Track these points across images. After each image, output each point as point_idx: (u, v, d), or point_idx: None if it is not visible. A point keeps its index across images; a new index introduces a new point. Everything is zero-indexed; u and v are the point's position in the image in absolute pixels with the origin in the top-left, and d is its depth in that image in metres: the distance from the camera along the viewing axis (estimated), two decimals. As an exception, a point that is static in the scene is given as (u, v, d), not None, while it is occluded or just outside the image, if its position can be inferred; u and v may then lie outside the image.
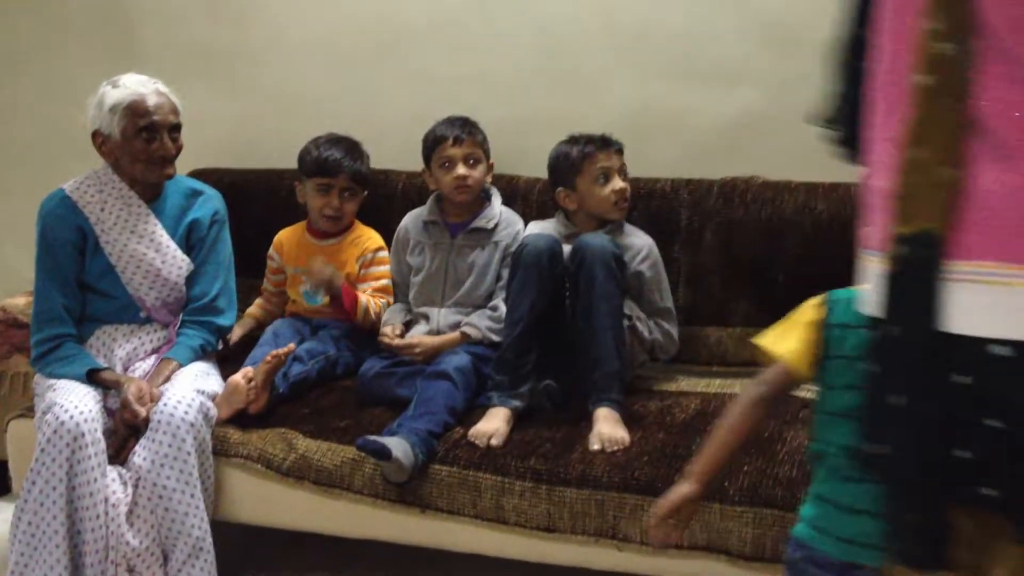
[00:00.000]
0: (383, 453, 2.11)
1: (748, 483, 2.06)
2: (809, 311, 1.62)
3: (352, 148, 2.77)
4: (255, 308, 2.87)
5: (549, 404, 2.42)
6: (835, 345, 1.55)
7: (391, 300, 2.74)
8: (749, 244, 2.62)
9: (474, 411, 2.38)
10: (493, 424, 2.29)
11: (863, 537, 1.46)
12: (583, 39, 2.84)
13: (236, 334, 2.74)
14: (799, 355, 1.58)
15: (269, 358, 2.36)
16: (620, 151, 2.59)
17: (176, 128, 2.48)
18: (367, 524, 2.29)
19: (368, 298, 2.68)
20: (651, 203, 2.71)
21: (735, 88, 2.71)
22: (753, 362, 2.61)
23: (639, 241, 2.59)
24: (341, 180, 2.72)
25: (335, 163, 2.70)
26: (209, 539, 2.26)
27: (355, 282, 2.73)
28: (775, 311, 2.57)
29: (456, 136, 2.65)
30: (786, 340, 1.62)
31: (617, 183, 2.55)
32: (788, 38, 2.66)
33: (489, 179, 2.72)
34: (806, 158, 2.64)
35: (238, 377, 2.34)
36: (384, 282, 2.75)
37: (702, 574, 2.08)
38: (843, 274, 2.51)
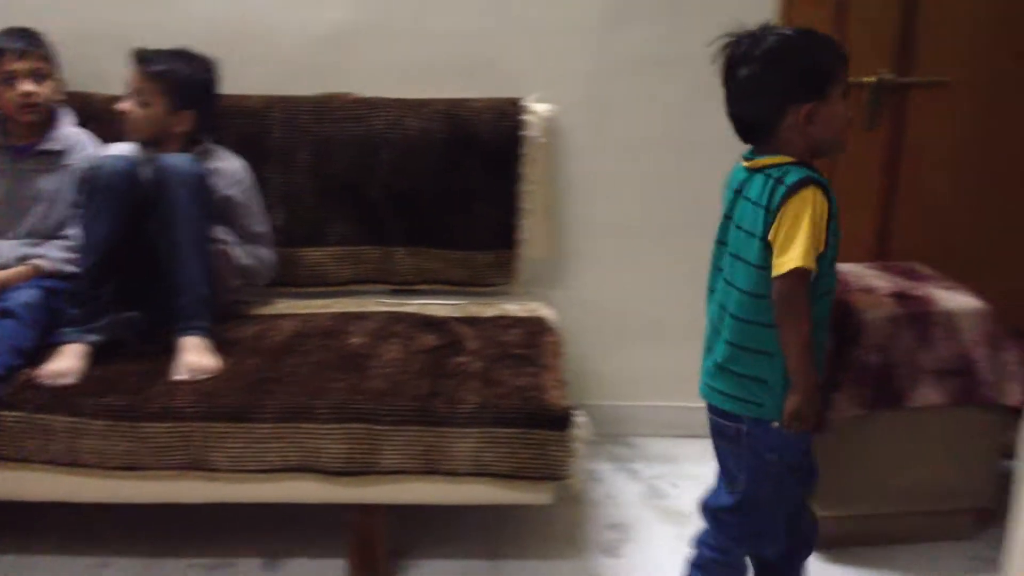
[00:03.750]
0: (-73, 402, 1.88)
1: (338, 400, 2.04)
2: None
3: None
4: None
5: (133, 336, 2.26)
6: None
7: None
8: (343, 162, 2.57)
9: (48, 349, 2.18)
10: (65, 362, 2.11)
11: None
12: (162, -54, 2.63)
13: None
14: None
15: None
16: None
17: None
18: (-79, 483, 2.05)
19: None
20: (241, 122, 2.58)
21: (325, 3, 2.62)
22: (351, 280, 2.62)
23: (229, 164, 2.47)
24: None
25: None
26: None
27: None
28: (371, 228, 2.60)
29: (19, 49, 2.38)
30: None
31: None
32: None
33: (59, 97, 2.47)
34: (396, 74, 2.66)
35: None
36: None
37: (294, 495, 2.06)
38: (434, 189, 2.56)
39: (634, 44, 2.62)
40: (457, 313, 2.49)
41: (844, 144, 1.71)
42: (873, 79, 2.53)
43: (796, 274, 1.59)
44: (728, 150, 2.63)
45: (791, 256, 1.59)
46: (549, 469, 2.02)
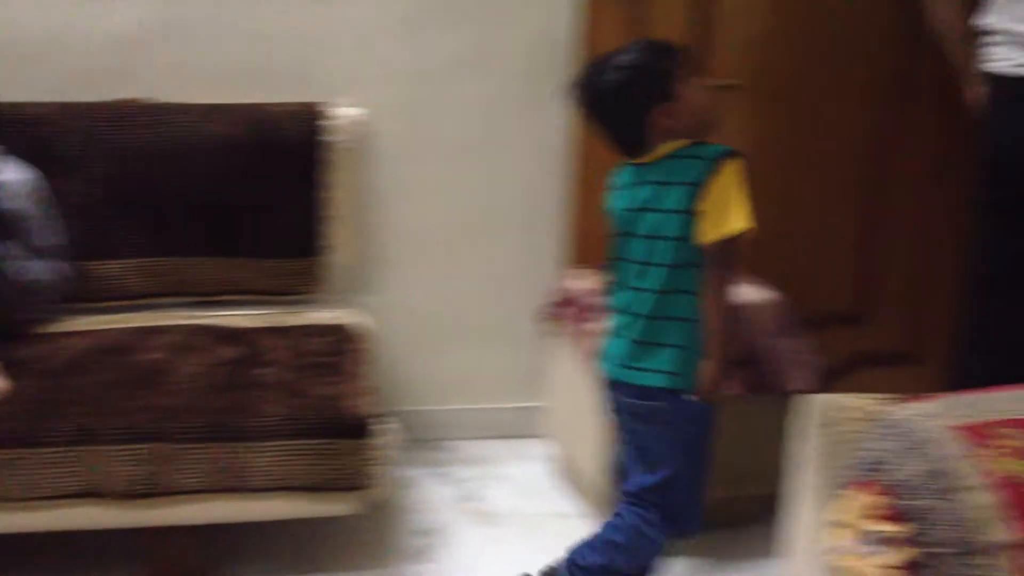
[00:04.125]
0: None
1: (130, 419, 1.96)
2: None
3: None
4: None
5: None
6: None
7: None
8: (139, 170, 2.47)
9: None
10: None
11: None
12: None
13: None
14: None
15: None
16: None
17: None
18: None
19: None
20: (31, 131, 2.44)
21: (119, 4, 2.52)
22: (150, 293, 2.52)
23: (15, 175, 2.34)
24: None
25: None
26: None
27: None
28: (170, 239, 2.51)
29: None
30: None
31: None
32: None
33: None
34: (195, 78, 2.58)
35: None
36: None
37: (85, 521, 1.97)
38: (237, 196, 2.50)
39: (443, 48, 2.62)
40: (261, 323, 2.43)
41: (714, 123, 1.86)
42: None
43: (736, 238, 1.74)
44: (541, 153, 2.71)
45: (732, 220, 1.73)
46: (353, 479, 2.00)
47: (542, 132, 2.70)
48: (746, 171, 1.76)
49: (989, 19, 1.99)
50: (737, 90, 2.62)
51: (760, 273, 2.39)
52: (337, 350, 2.29)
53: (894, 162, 2.71)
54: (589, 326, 2.31)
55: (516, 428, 2.79)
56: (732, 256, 1.77)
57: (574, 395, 2.44)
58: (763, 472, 2.33)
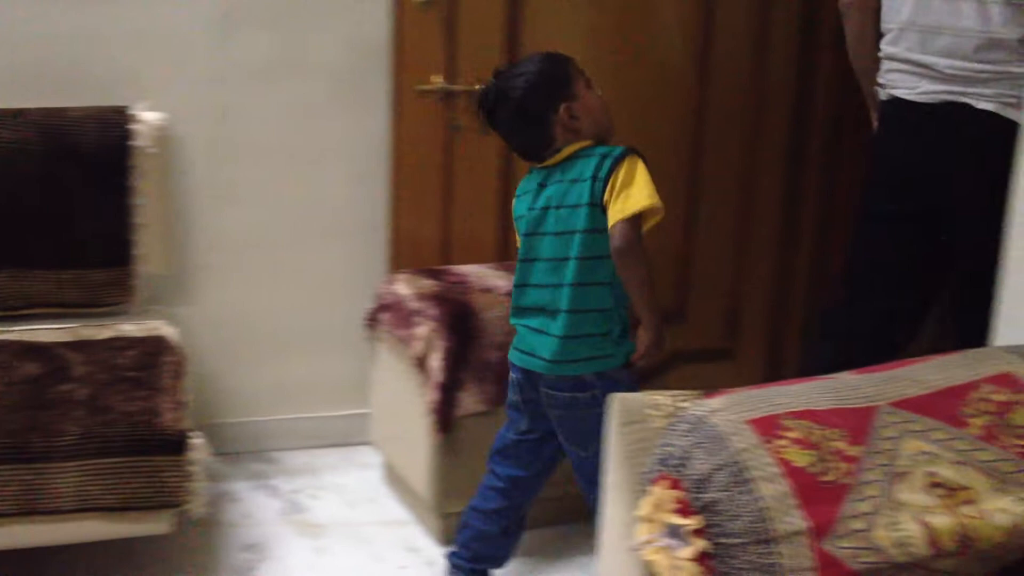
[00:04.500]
0: None
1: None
2: None
3: None
4: None
5: None
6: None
7: None
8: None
9: None
10: None
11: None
12: None
13: None
14: None
15: None
16: None
17: None
18: None
19: None
20: None
21: None
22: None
23: None
24: None
25: None
26: None
27: None
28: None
29: None
30: None
31: None
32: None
33: None
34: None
35: None
36: None
37: None
38: (35, 206, 2.37)
39: (256, 51, 2.56)
40: (67, 337, 2.30)
41: (612, 128, 1.98)
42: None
43: (640, 217, 1.84)
44: (361, 157, 2.66)
45: (635, 200, 1.83)
46: (167, 497, 1.93)
47: (362, 136, 2.67)
48: (648, 165, 1.88)
49: (891, 48, 2.09)
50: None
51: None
52: (148, 364, 2.19)
53: (710, 164, 2.79)
54: (411, 331, 2.30)
55: (347, 436, 2.75)
56: (637, 234, 1.85)
57: (397, 401, 2.42)
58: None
